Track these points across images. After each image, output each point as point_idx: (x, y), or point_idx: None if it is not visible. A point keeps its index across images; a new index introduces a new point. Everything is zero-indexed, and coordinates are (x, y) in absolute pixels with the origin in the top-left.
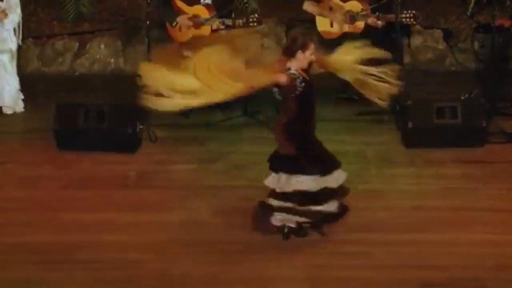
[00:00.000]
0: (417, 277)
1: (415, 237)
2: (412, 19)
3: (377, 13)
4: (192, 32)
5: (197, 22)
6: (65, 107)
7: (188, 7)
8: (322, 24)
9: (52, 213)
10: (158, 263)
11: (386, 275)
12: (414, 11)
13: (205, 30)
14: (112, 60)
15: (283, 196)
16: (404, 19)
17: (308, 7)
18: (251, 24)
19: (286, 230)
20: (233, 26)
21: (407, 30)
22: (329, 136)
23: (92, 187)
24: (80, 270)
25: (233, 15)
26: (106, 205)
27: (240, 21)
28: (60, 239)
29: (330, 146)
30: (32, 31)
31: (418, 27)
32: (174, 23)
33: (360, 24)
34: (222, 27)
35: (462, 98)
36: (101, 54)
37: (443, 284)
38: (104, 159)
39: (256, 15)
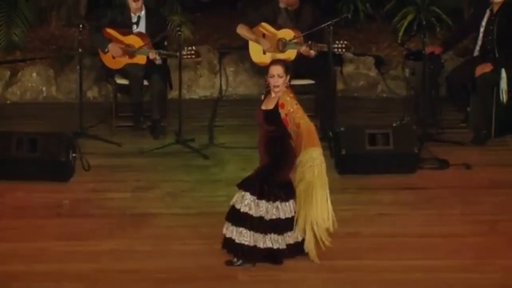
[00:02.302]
0: None
1: (349, 264)
2: (344, 50)
3: (309, 42)
4: (126, 60)
5: (129, 51)
6: None
7: (121, 36)
8: (255, 51)
9: None
10: None
11: None
12: (346, 42)
13: (140, 58)
14: (44, 88)
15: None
16: (336, 49)
17: (241, 31)
18: (189, 56)
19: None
20: (169, 57)
21: (339, 58)
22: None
23: (25, 216)
24: None
25: (166, 43)
26: (40, 234)
27: (177, 53)
28: None
29: None
30: None
31: (350, 54)
32: (106, 50)
33: (292, 52)
34: (159, 58)
35: (394, 124)
36: (33, 82)
37: None
38: (38, 188)
39: (193, 47)
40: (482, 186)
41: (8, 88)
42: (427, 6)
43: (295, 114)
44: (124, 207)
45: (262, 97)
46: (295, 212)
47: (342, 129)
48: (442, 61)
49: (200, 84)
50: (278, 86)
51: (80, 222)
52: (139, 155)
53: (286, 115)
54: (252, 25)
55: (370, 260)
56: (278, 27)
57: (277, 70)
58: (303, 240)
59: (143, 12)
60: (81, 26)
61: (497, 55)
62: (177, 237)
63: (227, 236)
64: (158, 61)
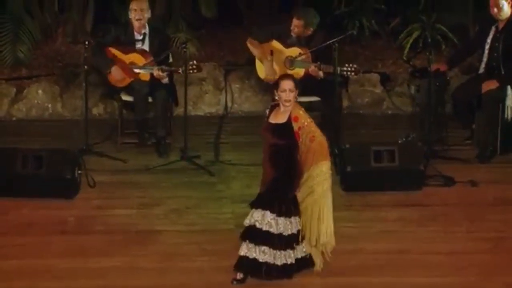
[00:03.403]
0: None
1: (354, 280)
2: (353, 73)
3: (318, 62)
4: (131, 77)
5: (132, 70)
6: (2, 152)
7: (124, 54)
8: (261, 68)
9: None
10: None
11: None
12: (355, 66)
13: (143, 75)
14: (49, 105)
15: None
16: (345, 72)
17: (250, 45)
18: (191, 71)
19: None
20: (171, 73)
21: (346, 79)
22: None
23: (31, 233)
24: None
25: (170, 60)
26: (46, 251)
27: (180, 68)
28: None
29: None
30: None
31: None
32: (108, 71)
33: (300, 71)
34: (163, 74)
35: (400, 141)
36: (39, 99)
37: None
38: (43, 204)
39: (194, 61)
40: (487, 204)
41: (14, 105)
42: (432, 24)
43: (309, 128)
44: (129, 223)
45: (267, 112)
46: (300, 225)
47: (347, 146)
48: (448, 78)
49: (206, 101)
50: (289, 101)
51: (85, 239)
52: (144, 172)
53: (299, 128)
54: (262, 40)
55: (374, 277)
56: (287, 46)
57: (288, 84)
58: (309, 254)
59: (147, 30)
60: (87, 42)
61: (502, 72)
62: (182, 254)
63: (249, 256)
64: (165, 81)
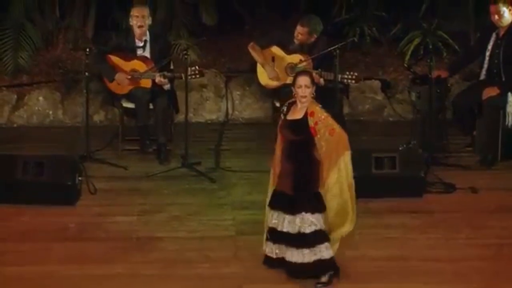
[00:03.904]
0: None
1: (355, 287)
2: (354, 81)
3: (319, 70)
4: (132, 85)
5: (135, 77)
6: (3, 159)
7: (125, 62)
8: (262, 73)
9: None
10: None
11: None
12: (356, 73)
13: (145, 82)
14: (50, 112)
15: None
16: (346, 80)
17: (252, 50)
18: (193, 76)
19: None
20: (173, 78)
21: (346, 86)
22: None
23: (32, 240)
24: None
25: (172, 66)
26: (46, 258)
27: (182, 74)
28: None
29: (267, 197)
30: None
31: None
32: (112, 80)
33: None
34: (165, 80)
35: (400, 148)
36: (40, 106)
37: None
38: (44, 211)
39: (196, 67)
40: (488, 210)
41: (15, 111)
42: (433, 30)
43: (326, 122)
44: (130, 230)
45: (285, 109)
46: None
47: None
48: (448, 85)
49: (206, 108)
50: (305, 97)
51: (86, 246)
52: (145, 179)
53: (315, 123)
54: (264, 46)
55: (376, 284)
56: (289, 52)
57: (305, 80)
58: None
59: (147, 37)
60: (88, 49)
61: (503, 79)
62: (183, 261)
63: (272, 256)
64: (167, 87)
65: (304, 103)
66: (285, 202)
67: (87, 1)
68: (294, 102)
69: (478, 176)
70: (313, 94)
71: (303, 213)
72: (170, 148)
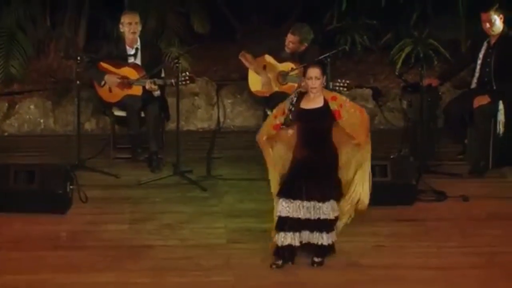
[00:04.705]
0: None
1: None
2: (345, 89)
3: None
4: (123, 92)
5: (126, 82)
6: None
7: (116, 68)
8: (253, 80)
9: None
10: None
11: None
12: (348, 81)
13: (136, 89)
14: (42, 121)
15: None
16: (337, 87)
17: (243, 58)
18: (184, 82)
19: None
20: (164, 85)
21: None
22: (259, 195)
23: (23, 249)
24: None
25: (163, 74)
26: (38, 267)
27: (172, 80)
28: None
29: (258, 205)
30: None
31: None
32: (103, 83)
33: (292, 85)
34: (155, 87)
35: (392, 156)
36: (31, 114)
37: None
38: (35, 220)
39: (187, 73)
40: (480, 218)
41: (6, 120)
42: (424, 39)
43: (350, 103)
44: (121, 239)
45: (294, 99)
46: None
47: None
48: (440, 93)
49: (198, 116)
50: (315, 88)
51: (77, 254)
52: (136, 187)
53: (340, 106)
54: (256, 54)
55: None
56: (281, 60)
57: (315, 72)
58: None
59: (138, 45)
60: (79, 58)
61: (494, 87)
62: (175, 269)
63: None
64: (157, 93)
65: (315, 94)
66: (301, 190)
67: (79, 10)
68: (304, 92)
69: (469, 184)
70: (324, 83)
71: (322, 201)
72: (161, 156)
